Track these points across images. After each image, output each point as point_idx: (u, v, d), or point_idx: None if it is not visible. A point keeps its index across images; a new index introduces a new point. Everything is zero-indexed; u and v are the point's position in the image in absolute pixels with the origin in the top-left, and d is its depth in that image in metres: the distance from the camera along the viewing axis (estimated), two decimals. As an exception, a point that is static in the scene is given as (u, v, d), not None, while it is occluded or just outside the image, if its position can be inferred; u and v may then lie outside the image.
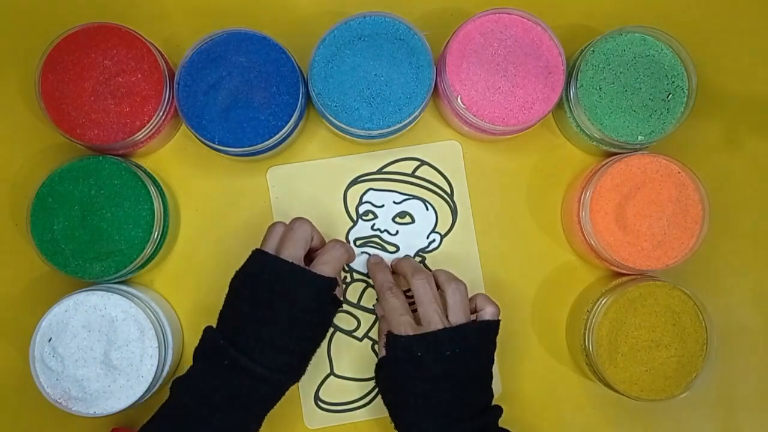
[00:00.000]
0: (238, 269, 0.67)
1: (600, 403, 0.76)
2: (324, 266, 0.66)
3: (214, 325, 0.66)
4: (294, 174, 0.77)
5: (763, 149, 0.79)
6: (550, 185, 0.78)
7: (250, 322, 0.64)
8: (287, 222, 0.69)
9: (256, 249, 0.67)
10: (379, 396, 0.75)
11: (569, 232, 0.76)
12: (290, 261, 0.65)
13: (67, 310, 0.69)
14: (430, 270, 0.72)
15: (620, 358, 0.70)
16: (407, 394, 0.65)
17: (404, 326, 0.66)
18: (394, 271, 0.73)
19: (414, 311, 0.68)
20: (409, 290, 0.69)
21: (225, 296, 0.67)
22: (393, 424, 0.67)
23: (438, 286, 0.69)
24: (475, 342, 0.66)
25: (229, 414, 0.62)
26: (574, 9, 0.79)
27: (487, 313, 0.67)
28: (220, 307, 0.67)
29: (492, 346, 0.67)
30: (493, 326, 0.67)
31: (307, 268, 0.66)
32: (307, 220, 0.68)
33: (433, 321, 0.65)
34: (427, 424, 0.64)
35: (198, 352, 0.65)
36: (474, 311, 0.68)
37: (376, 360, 0.76)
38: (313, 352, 0.67)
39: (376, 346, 0.76)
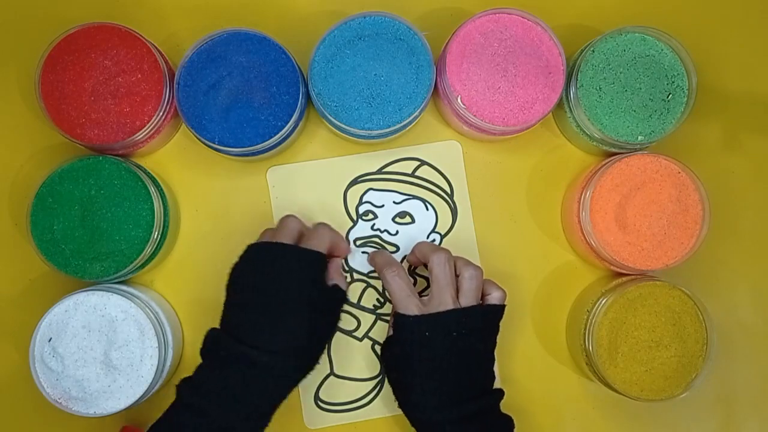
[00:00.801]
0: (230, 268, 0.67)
1: (600, 403, 0.76)
2: (308, 242, 0.66)
3: (208, 326, 0.66)
4: (294, 174, 0.77)
5: (763, 149, 0.79)
6: (550, 185, 0.78)
7: (245, 309, 0.64)
8: None
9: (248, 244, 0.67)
10: (379, 396, 0.75)
11: (569, 232, 0.76)
12: (276, 242, 0.65)
13: (67, 310, 0.69)
14: None
15: (620, 358, 0.70)
16: (413, 373, 0.65)
17: (411, 306, 0.66)
18: (416, 253, 0.72)
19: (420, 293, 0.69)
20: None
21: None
22: (397, 403, 0.68)
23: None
24: (480, 324, 0.67)
25: (231, 405, 0.61)
26: (574, 9, 0.79)
27: (494, 298, 0.68)
28: (221, 307, 0.67)
29: (496, 330, 0.68)
30: (498, 310, 0.68)
31: (293, 245, 0.66)
32: (295, 216, 0.69)
33: (445, 302, 0.66)
34: (432, 403, 0.64)
35: (201, 352, 0.65)
36: (482, 295, 0.69)
37: (376, 360, 0.76)
38: (314, 336, 0.65)
39: (376, 346, 0.76)
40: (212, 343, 0.64)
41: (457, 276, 0.68)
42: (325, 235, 0.68)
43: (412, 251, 0.73)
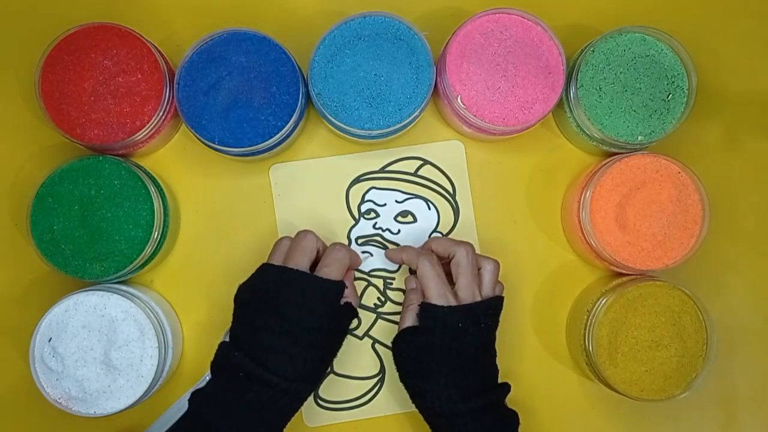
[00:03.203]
0: (242, 282, 0.67)
1: (600, 403, 0.76)
2: (327, 269, 0.66)
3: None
4: (296, 171, 0.77)
5: (763, 149, 0.79)
6: (550, 185, 0.78)
7: (262, 332, 0.64)
8: (293, 236, 0.69)
9: (263, 263, 0.67)
10: (379, 394, 0.75)
11: (569, 232, 0.76)
12: (295, 268, 0.65)
13: (67, 310, 0.69)
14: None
15: (620, 358, 0.70)
16: (440, 364, 0.65)
17: (448, 297, 0.66)
18: (433, 247, 0.72)
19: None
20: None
21: (233, 312, 0.66)
22: (411, 398, 0.68)
23: None
24: (499, 315, 0.68)
25: (247, 425, 0.62)
26: (574, 9, 0.79)
27: (497, 290, 0.70)
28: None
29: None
30: (502, 301, 0.69)
31: (311, 273, 0.66)
32: (312, 232, 0.68)
33: (474, 294, 0.67)
34: (455, 394, 0.64)
35: (214, 367, 0.65)
36: None
37: (376, 358, 0.76)
38: (327, 358, 0.67)
39: (376, 345, 0.76)
40: (228, 362, 0.64)
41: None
42: (343, 259, 0.67)
43: (426, 245, 0.72)
